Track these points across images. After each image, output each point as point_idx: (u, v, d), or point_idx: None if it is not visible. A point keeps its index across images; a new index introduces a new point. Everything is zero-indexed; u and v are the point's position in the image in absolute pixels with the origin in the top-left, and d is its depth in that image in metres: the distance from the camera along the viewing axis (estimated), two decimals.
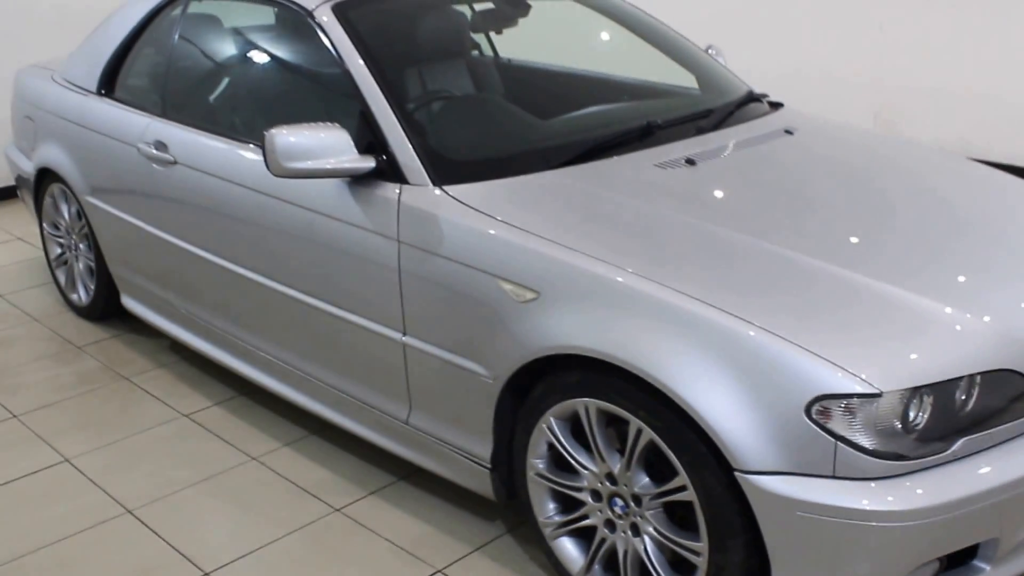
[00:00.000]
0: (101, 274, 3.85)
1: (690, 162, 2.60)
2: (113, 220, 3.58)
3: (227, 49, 3.36)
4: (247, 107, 3.19)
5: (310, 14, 2.83)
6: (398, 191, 2.48)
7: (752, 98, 3.14)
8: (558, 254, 2.18)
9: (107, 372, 3.66)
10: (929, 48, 4.92)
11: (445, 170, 2.49)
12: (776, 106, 3.19)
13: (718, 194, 2.50)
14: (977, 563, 2.00)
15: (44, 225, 4.17)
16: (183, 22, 3.38)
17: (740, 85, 3.23)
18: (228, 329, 3.18)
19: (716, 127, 2.88)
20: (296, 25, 2.96)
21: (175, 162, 3.15)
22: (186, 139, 3.14)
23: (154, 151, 3.23)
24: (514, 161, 2.55)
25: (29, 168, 4.11)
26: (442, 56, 3.20)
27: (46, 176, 4.01)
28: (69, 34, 5.56)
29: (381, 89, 2.61)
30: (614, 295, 2.08)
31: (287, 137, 2.43)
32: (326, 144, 2.46)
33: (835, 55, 5.26)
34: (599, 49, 3.59)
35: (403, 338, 2.51)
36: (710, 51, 3.49)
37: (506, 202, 2.38)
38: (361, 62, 2.66)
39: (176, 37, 3.38)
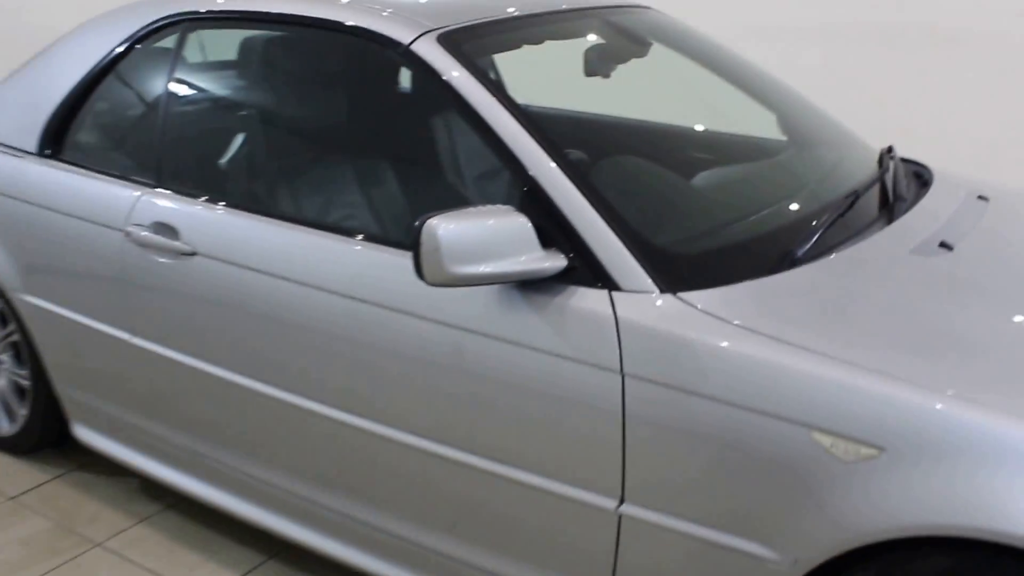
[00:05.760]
0: (40, 395, 3.05)
1: (945, 246, 2.16)
2: (69, 327, 2.81)
3: (260, 96, 2.67)
4: (317, 180, 2.51)
5: (405, 49, 2.22)
6: (609, 301, 1.89)
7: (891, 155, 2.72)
8: (912, 395, 1.66)
9: (66, 536, 2.87)
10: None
11: (671, 270, 1.93)
12: (911, 162, 2.81)
13: (1008, 286, 2.06)
14: None
15: None
16: (180, 57, 2.67)
17: (863, 139, 2.81)
18: (273, 480, 2.49)
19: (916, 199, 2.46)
20: (376, 63, 2.34)
21: (193, 253, 2.45)
22: (213, 222, 2.44)
23: (154, 237, 2.51)
24: (755, 255, 2.02)
25: None
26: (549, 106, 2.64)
27: None
28: None
29: (550, 155, 2.02)
30: (1011, 448, 1.59)
31: (455, 230, 1.82)
32: (505, 237, 1.88)
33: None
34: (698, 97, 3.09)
35: (620, 508, 1.92)
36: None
37: (780, 316, 1.85)
38: (509, 118, 2.07)
39: (171, 77, 2.66)
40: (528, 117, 2.09)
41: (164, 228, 2.51)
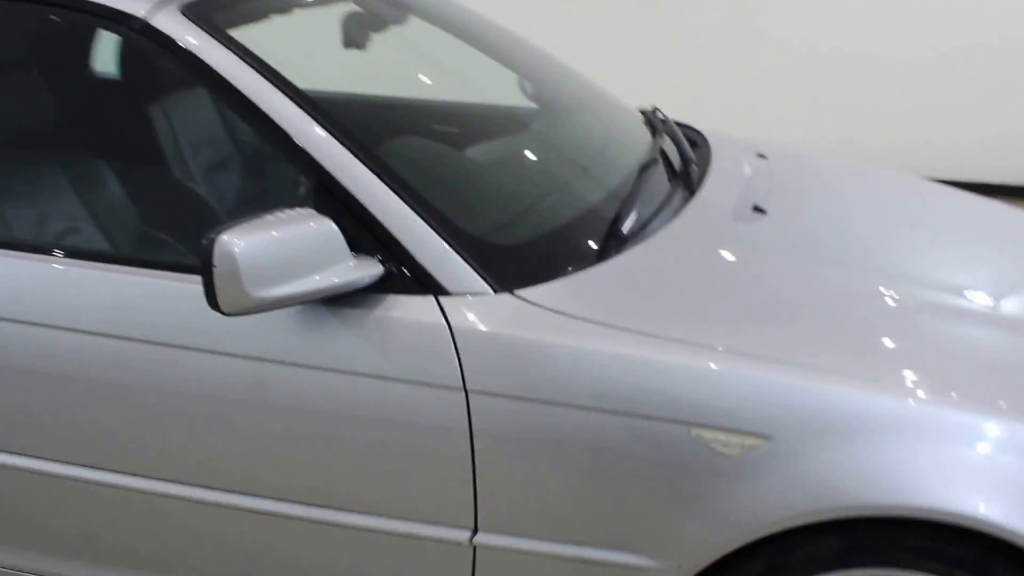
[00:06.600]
0: None
1: (759, 210, 2.10)
2: None
3: None
4: (42, 195, 2.06)
5: (142, 23, 1.83)
6: (438, 308, 1.65)
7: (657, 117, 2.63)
8: (790, 377, 1.56)
9: None
10: None
11: (502, 265, 1.72)
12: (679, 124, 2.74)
13: (834, 245, 2.03)
14: None
15: None
16: None
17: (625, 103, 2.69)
18: (35, 566, 2.06)
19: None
20: (96, 42, 1.94)
21: None
22: None
23: None
24: (583, 240, 1.85)
25: None
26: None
27: None
28: None
29: (342, 143, 1.74)
30: (904, 421, 1.54)
31: (254, 246, 1.52)
32: (311, 248, 1.59)
33: None
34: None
35: (474, 539, 1.70)
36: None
37: (632, 306, 1.71)
38: (288, 102, 1.77)
39: None
40: (309, 100, 1.78)
41: None
